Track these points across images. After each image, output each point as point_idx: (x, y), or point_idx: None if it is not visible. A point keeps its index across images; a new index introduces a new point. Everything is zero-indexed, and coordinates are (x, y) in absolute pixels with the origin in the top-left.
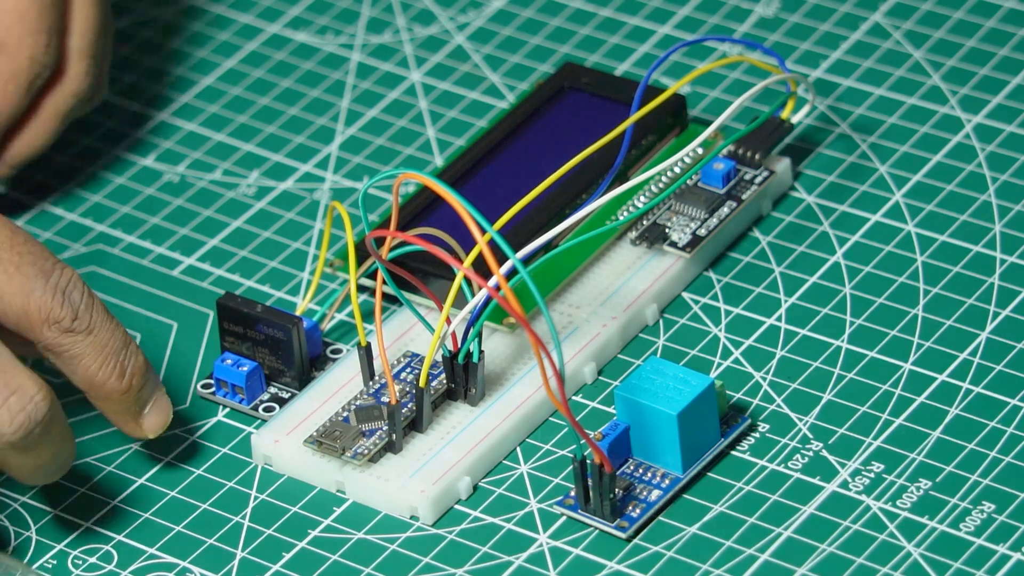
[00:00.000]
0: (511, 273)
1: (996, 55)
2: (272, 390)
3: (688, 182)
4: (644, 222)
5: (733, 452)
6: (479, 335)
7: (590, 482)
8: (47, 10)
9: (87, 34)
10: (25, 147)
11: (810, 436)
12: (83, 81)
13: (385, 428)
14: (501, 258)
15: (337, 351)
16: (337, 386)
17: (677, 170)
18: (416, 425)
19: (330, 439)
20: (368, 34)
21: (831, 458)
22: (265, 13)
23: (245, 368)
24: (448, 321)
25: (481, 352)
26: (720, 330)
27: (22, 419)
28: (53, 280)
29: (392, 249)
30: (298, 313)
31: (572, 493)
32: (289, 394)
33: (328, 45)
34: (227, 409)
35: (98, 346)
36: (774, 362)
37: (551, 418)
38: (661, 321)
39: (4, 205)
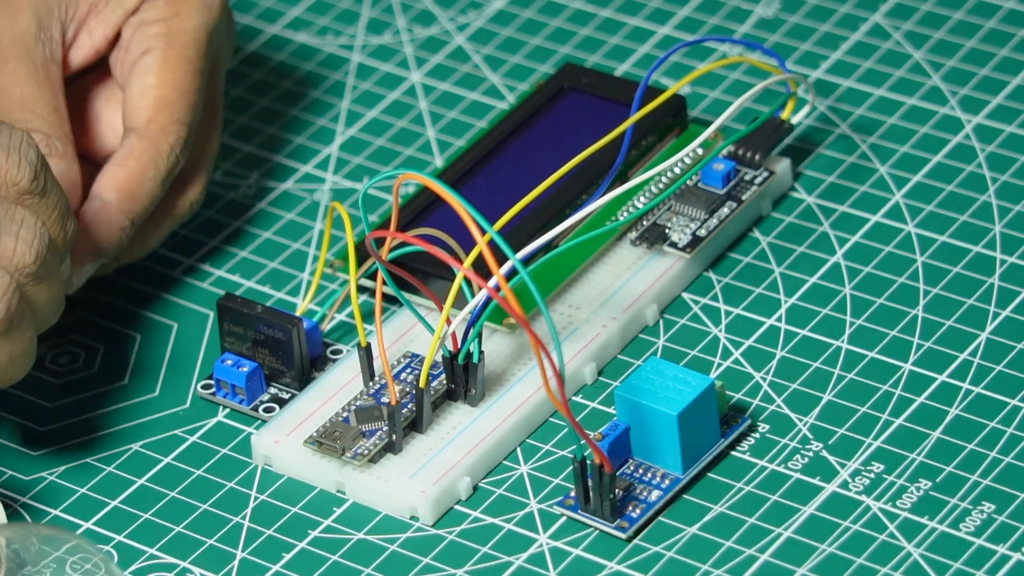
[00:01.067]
0: (511, 273)
1: (996, 55)
2: (272, 390)
3: (688, 182)
4: (644, 222)
5: (733, 452)
6: (479, 335)
7: (590, 482)
8: (192, 109)
9: (210, 151)
10: (137, 250)
11: (810, 436)
12: (202, 193)
13: (385, 428)
14: (501, 259)
15: (337, 352)
16: (337, 386)
17: (677, 170)
18: (416, 425)
19: (330, 439)
20: (368, 35)
21: (831, 458)
22: (265, 14)
23: (245, 368)
24: (448, 321)
25: (481, 352)
26: (720, 330)
27: (38, 247)
28: (5, 140)
29: (392, 250)
30: (298, 314)
31: (572, 493)
32: (289, 394)
33: (328, 46)
34: (227, 409)
35: (49, 208)
36: (774, 362)
37: (551, 418)
38: (661, 321)
39: None
